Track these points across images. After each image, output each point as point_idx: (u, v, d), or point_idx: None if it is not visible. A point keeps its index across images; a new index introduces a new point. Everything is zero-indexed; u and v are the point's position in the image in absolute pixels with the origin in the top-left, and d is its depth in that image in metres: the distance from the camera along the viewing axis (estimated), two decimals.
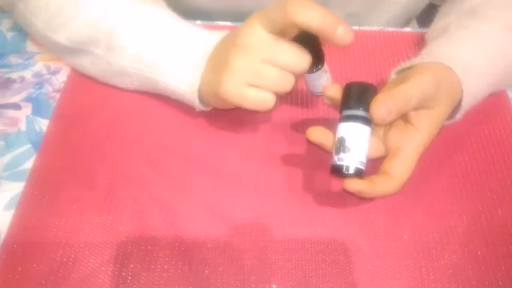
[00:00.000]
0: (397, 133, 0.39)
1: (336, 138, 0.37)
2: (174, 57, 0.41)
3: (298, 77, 0.38)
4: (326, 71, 0.43)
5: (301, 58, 0.36)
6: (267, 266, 0.37)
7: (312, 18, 0.32)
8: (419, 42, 0.52)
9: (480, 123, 0.45)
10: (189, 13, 0.49)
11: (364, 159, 0.36)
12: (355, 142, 0.36)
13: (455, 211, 0.40)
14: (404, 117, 0.38)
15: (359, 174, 0.36)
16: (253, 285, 0.36)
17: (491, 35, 0.42)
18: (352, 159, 0.36)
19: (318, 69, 0.41)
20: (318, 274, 0.36)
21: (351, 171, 0.36)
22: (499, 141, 0.44)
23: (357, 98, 0.36)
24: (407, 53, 0.51)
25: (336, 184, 0.41)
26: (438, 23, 0.49)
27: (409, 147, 0.37)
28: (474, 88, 0.40)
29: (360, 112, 0.36)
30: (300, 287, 0.36)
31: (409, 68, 0.41)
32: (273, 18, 0.34)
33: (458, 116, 0.41)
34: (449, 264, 0.37)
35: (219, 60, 0.38)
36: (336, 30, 0.32)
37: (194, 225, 0.39)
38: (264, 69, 0.36)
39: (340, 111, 0.38)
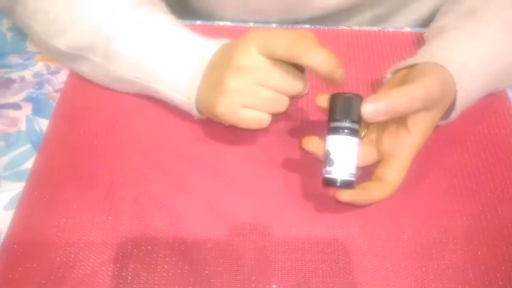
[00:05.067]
0: (390, 138, 0.39)
1: (324, 151, 0.37)
2: (171, 67, 0.41)
3: (292, 98, 0.39)
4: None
5: (295, 82, 0.38)
6: (267, 266, 0.37)
7: (317, 64, 0.35)
8: (419, 42, 0.52)
9: (480, 123, 0.45)
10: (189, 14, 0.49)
11: (353, 171, 0.36)
12: (341, 154, 0.36)
13: (455, 211, 0.40)
14: (397, 121, 0.38)
15: (348, 186, 0.36)
16: (253, 285, 0.36)
17: (487, 35, 0.42)
18: (339, 171, 0.36)
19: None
20: (318, 274, 0.36)
21: (339, 184, 0.36)
22: (499, 141, 0.44)
23: (342, 109, 0.36)
24: (407, 53, 0.51)
25: None
26: (437, 23, 0.49)
27: (402, 152, 0.37)
28: (468, 88, 0.39)
29: (346, 123, 0.36)
30: (300, 287, 0.36)
31: (407, 67, 0.41)
32: (273, 50, 0.36)
33: (454, 115, 0.40)
34: (449, 264, 0.37)
35: (215, 77, 0.38)
36: (335, 74, 0.35)
37: (194, 225, 0.39)
38: (259, 92, 0.37)
39: (328, 123, 0.38)
